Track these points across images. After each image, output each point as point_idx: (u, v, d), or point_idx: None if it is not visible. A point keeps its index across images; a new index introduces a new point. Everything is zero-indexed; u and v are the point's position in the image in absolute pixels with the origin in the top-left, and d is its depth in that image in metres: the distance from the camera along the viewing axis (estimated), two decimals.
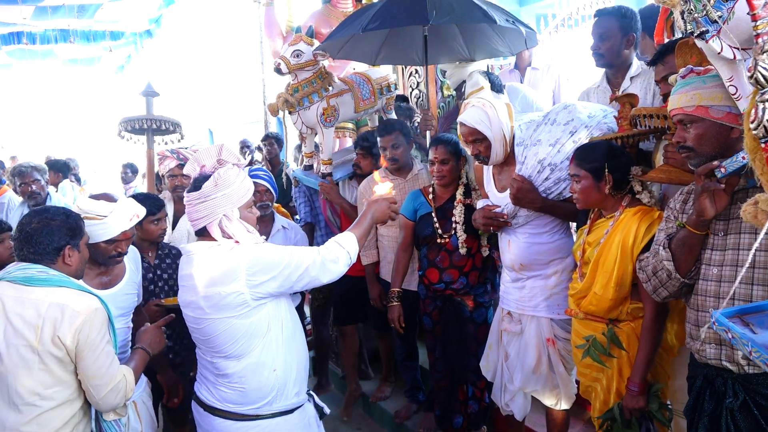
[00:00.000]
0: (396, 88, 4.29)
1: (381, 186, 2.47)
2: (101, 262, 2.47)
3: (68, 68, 9.65)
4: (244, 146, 6.96)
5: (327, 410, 2.41)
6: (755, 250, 1.67)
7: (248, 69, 8.83)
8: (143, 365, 2.29)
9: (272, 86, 7.42)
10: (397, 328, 3.30)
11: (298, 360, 2.23)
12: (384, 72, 4.41)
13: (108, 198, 2.49)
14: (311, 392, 2.38)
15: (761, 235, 1.62)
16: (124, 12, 7.71)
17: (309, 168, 4.32)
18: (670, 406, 2.24)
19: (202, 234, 2.16)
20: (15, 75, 9.99)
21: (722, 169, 1.62)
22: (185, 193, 2.19)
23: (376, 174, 2.66)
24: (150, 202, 3.08)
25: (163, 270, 3.19)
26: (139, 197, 3.16)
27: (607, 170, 2.28)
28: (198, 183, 2.14)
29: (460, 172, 3.18)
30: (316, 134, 4.13)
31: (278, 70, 3.74)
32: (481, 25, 3.56)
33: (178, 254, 3.31)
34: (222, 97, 11.82)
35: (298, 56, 3.71)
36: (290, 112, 3.91)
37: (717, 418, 1.81)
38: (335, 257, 2.17)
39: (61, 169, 6.27)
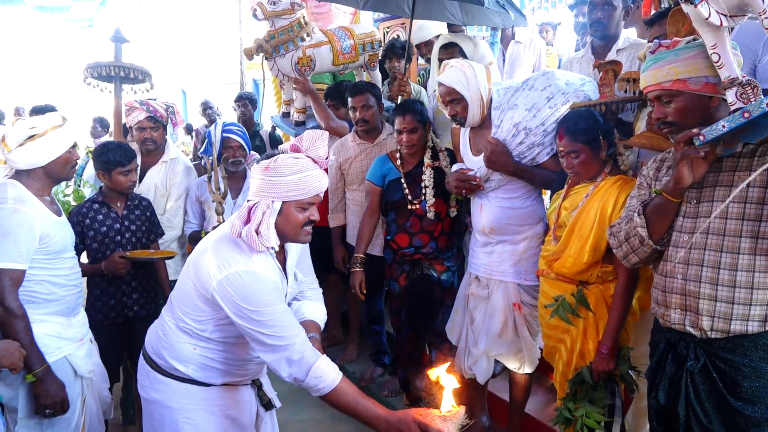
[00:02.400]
0: (380, 46, 4.22)
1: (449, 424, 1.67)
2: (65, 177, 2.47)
3: (37, 15, 9.28)
4: (207, 107, 6.79)
5: (277, 404, 2.20)
6: (727, 218, 1.70)
7: (225, 29, 8.60)
8: None
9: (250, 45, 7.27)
10: (357, 294, 3.27)
11: (220, 350, 1.99)
12: (370, 29, 4.34)
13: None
14: (261, 380, 2.19)
15: (727, 202, 1.66)
16: None
17: (286, 115, 4.29)
18: (638, 370, 2.28)
19: None
20: None
21: (701, 137, 1.62)
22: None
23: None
24: (121, 152, 2.99)
25: (131, 221, 3.11)
26: (111, 145, 3.07)
27: (601, 137, 2.29)
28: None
29: (427, 138, 3.16)
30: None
31: (255, 16, 3.70)
32: None
33: (149, 206, 3.24)
34: (197, 58, 11.53)
35: (274, 3, 3.65)
36: (266, 58, 3.87)
37: (677, 380, 1.85)
38: (324, 378, 1.78)
39: None
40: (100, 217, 3.01)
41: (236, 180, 3.58)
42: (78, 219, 2.97)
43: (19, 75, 13.58)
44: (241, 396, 2.08)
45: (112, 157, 2.94)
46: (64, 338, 2.41)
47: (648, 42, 2.54)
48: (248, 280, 1.79)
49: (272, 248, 1.88)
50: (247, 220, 1.83)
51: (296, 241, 1.98)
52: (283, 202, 1.85)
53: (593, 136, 2.28)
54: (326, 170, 1.95)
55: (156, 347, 2.02)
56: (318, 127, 4.04)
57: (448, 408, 1.67)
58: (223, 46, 9.28)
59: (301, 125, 4.10)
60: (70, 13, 9.20)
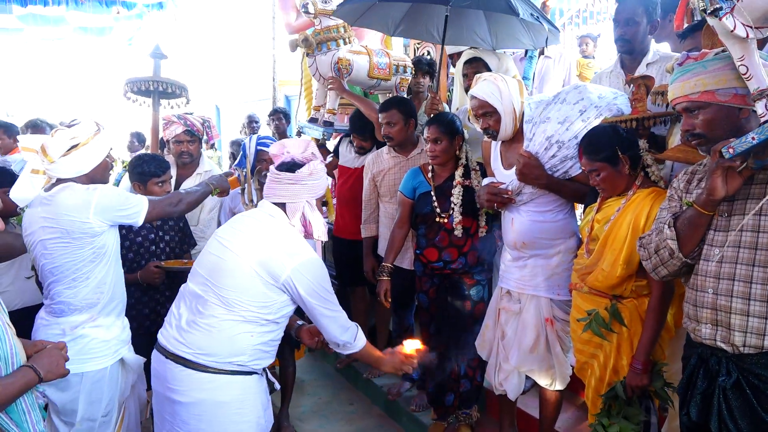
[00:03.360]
0: (412, 73, 4.29)
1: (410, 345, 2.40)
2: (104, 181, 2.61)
3: (79, 36, 9.59)
4: (252, 121, 6.95)
5: (277, 386, 2.45)
6: (759, 231, 1.67)
7: (258, 46, 8.78)
8: (22, 390, 1.70)
9: (282, 63, 7.41)
10: (382, 302, 3.28)
11: (270, 337, 2.20)
12: (404, 56, 4.47)
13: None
14: (265, 368, 2.32)
15: (751, 214, 1.64)
16: None
17: (314, 121, 4.38)
18: (672, 386, 2.23)
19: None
20: (25, 40, 9.95)
21: (731, 150, 1.60)
22: (273, 169, 2.28)
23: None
24: (156, 163, 3.08)
25: (165, 232, 3.19)
26: (146, 157, 3.16)
27: (620, 153, 2.27)
28: (286, 164, 2.26)
29: (455, 151, 3.15)
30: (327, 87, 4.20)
31: (305, 7, 3.84)
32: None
33: (182, 217, 3.31)
34: (230, 74, 11.78)
35: (325, 2, 3.80)
36: (308, 54, 3.99)
37: (709, 396, 1.81)
38: (357, 339, 2.28)
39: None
40: (136, 228, 3.09)
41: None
42: None
43: (58, 90, 14.05)
44: (264, 383, 2.30)
45: (147, 168, 3.02)
46: (122, 340, 2.51)
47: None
48: (318, 264, 2.19)
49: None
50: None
51: (318, 237, 2.33)
52: (316, 199, 2.28)
53: (611, 152, 2.26)
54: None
55: (203, 347, 2.07)
56: (345, 129, 4.18)
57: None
58: (257, 62, 9.46)
59: (329, 125, 4.19)
60: (111, 34, 9.49)
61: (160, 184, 3.08)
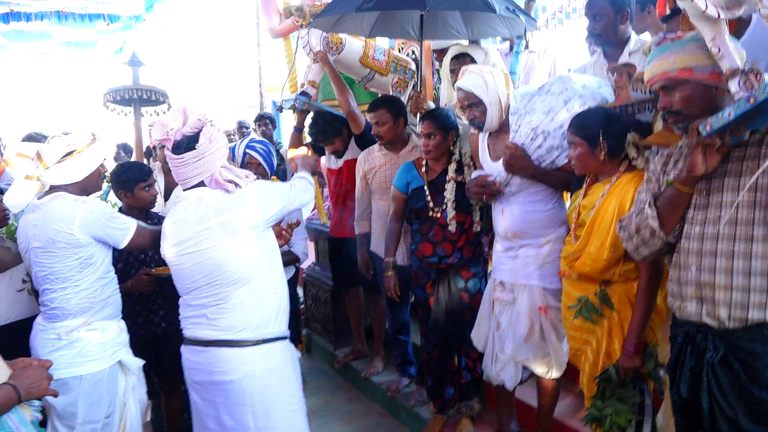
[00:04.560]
0: (412, 76, 4.27)
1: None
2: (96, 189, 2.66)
3: (63, 51, 9.56)
4: (242, 127, 6.96)
5: (297, 353, 2.51)
6: (739, 207, 1.70)
7: (244, 53, 8.81)
8: (2, 409, 1.68)
9: (268, 69, 7.43)
10: (393, 297, 3.31)
11: (285, 290, 2.40)
12: (409, 60, 4.46)
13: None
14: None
15: (743, 192, 1.66)
16: None
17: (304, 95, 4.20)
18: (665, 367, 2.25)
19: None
20: (9, 56, 9.91)
21: (708, 127, 1.63)
22: (171, 154, 2.22)
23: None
24: (138, 168, 3.08)
25: None
26: (127, 164, 3.15)
27: (601, 137, 2.29)
28: (181, 144, 2.20)
29: (449, 146, 3.18)
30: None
31: (300, 9, 3.82)
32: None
33: None
34: (218, 82, 11.79)
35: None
36: (301, 26, 3.91)
37: (698, 373, 1.83)
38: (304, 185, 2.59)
39: None
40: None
41: None
42: None
43: (39, 102, 14.01)
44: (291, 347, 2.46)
45: (133, 175, 3.02)
46: (119, 342, 2.53)
47: None
48: (261, 182, 2.39)
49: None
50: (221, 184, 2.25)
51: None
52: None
53: (592, 133, 2.30)
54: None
55: (237, 325, 2.23)
56: (320, 107, 4.05)
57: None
58: (243, 70, 9.48)
59: (305, 95, 4.00)
60: (96, 48, 9.47)
61: (147, 188, 3.08)
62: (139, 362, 2.62)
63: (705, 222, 1.78)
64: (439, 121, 3.11)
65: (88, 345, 2.38)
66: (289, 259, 3.56)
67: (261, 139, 3.91)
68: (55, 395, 1.84)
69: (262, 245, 2.29)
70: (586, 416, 2.34)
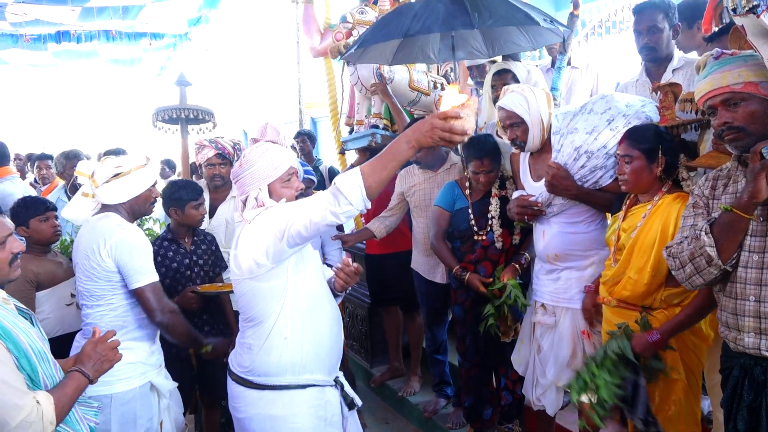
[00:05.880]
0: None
1: (450, 94, 1.80)
2: (145, 213, 2.69)
3: (110, 68, 9.91)
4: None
5: (358, 402, 2.30)
6: None
7: (284, 69, 8.95)
8: (74, 396, 1.78)
9: (308, 86, 7.53)
10: (481, 287, 3.04)
11: (317, 337, 2.14)
12: (438, 76, 4.56)
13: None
14: (342, 380, 2.30)
15: None
16: (165, 13, 7.88)
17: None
18: (668, 368, 2.17)
19: None
20: (60, 75, 10.32)
21: None
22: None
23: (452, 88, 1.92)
24: (191, 187, 3.16)
25: (198, 256, 3.24)
26: (180, 183, 3.23)
27: (660, 152, 2.25)
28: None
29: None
30: (368, 99, 4.30)
31: (344, 18, 3.99)
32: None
33: (213, 240, 3.38)
34: (257, 98, 12.00)
35: (362, 13, 3.95)
36: (348, 64, 4.09)
37: (756, 408, 1.74)
38: (333, 202, 1.88)
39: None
40: (171, 253, 3.16)
41: None
42: None
43: (90, 120, 14.49)
44: (329, 397, 2.20)
45: (185, 194, 3.10)
46: (149, 364, 2.53)
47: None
48: (277, 206, 2.06)
49: None
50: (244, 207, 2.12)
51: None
52: (268, 185, 2.10)
53: (652, 147, 2.25)
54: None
55: (248, 367, 2.13)
56: (391, 134, 4.22)
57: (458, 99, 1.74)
58: (282, 86, 9.63)
59: (375, 128, 4.24)
60: (141, 65, 9.78)
61: (197, 207, 3.16)
62: (172, 385, 2.63)
63: (765, 250, 1.71)
64: (495, 153, 3.09)
65: (118, 364, 2.38)
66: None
67: (308, 169, 4.01)
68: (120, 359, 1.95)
69: (271, 286, 2.06)
70: (576, 379, 2.23)
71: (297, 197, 2.16)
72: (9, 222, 1.84)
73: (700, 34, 3.19)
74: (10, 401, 1.56)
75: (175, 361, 2.96)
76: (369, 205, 1.87)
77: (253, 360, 2.11)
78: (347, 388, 2.31)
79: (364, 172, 1.82)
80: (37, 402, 1.62)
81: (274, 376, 2.10)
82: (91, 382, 1.83)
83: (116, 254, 2.39)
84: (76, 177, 2.91)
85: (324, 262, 3.53)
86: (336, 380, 2.26)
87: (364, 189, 1.81)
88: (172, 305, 2.53)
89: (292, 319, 2.09)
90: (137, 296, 2.45)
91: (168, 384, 2.61)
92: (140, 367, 2.48)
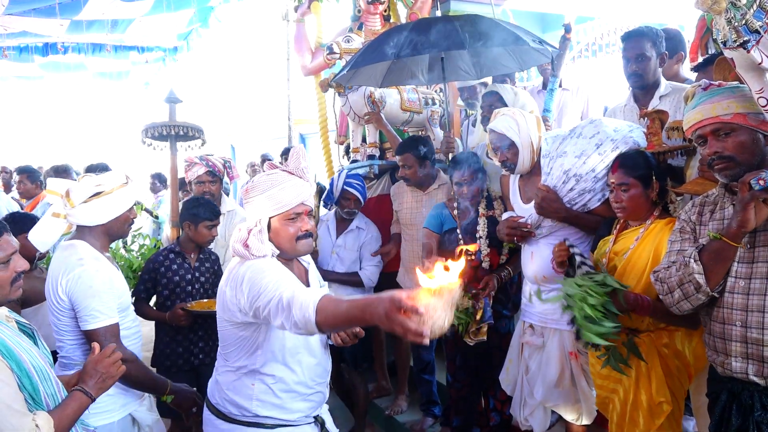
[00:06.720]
0: (437, 104, 4.39)
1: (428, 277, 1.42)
2: (123, 234, 2.51)
3: (98, 81, 9.88)
4: (266, 160, 7.07)
5: None
6: None
7: (273, 86, 9.00)
8: (76, 415, 1.75)
9: (297, 102, 7.57)
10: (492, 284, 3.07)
11: (292, 384, 2.02)
12: (428, 90, 4.59)
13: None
14: (323, 416, 2.21)
15: None
16: (155, 27, 7.89)
17: (355, 162, 4.48)
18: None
19: None
20: (46, 87, 10.26)
21: (761, 182, 1.61)
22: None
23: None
24: (211, 208, 3.19)
25: (201, 273, 3.26)
26: (202, 200, 3.24)
27: (654, 177, 2.30)
28: None
29: (483, 187, 3.22)
30: (362, 126, 4.33)
31: (330, 48, 4.05)
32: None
33: (217, 260, 3.39)
34: (245, 114, 12.02)
35: (348, 42, 3.99)
36: (339, 94, 4.15)
37: None
38: (304, 304, 1.71)
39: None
40: (175, 266, 3.17)
41: (344, 223, 3.86)
42: (153, 266, 3.15)
43: (78, 134, 14.40)
44: None
45: (203, 212, 3.14)
46: (129, 394, 2.39)
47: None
48: (258, 266, 1.87)
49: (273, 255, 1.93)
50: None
51: (295, 254, 2.00)
52: (269, 218, 1.93)
53: (647, 173, 2.30)
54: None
55: (220, 396, 2.06)
56: (389, 162, 4.30)
57: (442, 282, 1.37)
58: (271, 102, 9.67)
59: (372, 158, 4.29)
60: (129, 78, 9.76)
61: (209, 228, 3.19)
62: (153, 417, 2.49)
63: (751, 276, 1.75)
64: (478, 169, 3.15)
65: None
66: (353, 281, 3.74)
67: (355, 173, 4.02)
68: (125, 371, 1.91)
69: (246, 336, 1.95)
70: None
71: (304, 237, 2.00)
72: (14, 240, 1.75)
73: (676, 66, 3.29)
74: (10, 424, 1.53)
75: (170, 374, 2.91)
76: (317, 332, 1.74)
77: (224, 394, 2.04)
78: (329, 425, 2.22)
79: (323, 309, 1.67)
80: (36, 426, 1.58)
81: (246, 412, 2.00)
82: (93, 400, 1.79)
83: (71, 291, 2.20)
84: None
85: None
86: (317, 418, 2.16)
87: (313, 321, 1.67)
88: (128, 353, 2.27)
89: (265, 367, 1.98)
90: (88, 339, 2.20)
91: (150, 416, 2.46)
92: (120, 399, 2.32)
